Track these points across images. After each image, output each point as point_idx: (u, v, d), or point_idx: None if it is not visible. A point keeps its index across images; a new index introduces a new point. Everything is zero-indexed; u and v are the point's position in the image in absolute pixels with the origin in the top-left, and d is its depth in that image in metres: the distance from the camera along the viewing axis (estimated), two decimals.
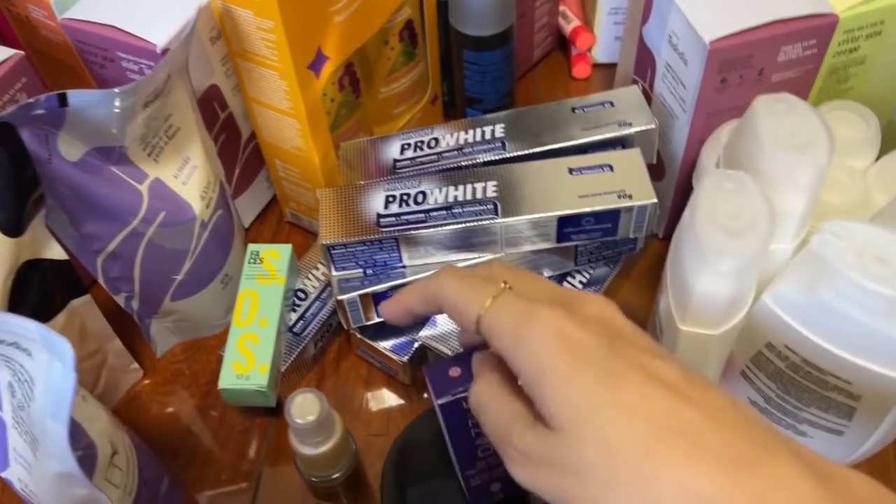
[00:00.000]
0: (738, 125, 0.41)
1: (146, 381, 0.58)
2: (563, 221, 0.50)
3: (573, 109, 0.55)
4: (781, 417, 0.43)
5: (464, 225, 0.49)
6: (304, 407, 0.40)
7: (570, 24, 0.74)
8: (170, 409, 0.56)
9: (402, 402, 0.55)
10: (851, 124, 0.50)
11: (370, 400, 0.56)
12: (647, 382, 0.26)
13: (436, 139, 0.55)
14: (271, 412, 0.55)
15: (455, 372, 0.35)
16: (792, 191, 0.38)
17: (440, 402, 0.34)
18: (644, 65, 0.57)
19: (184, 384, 0.57)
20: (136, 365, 0.57)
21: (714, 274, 0.35)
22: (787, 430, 0.43)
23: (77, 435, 0.39)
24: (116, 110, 0.43)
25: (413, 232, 0.49)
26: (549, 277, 0.56)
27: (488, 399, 0.31)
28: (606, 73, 0.75)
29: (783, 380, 0.40)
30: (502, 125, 0.55)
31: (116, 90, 0.42)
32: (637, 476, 0.24)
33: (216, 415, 0.56)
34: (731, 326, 0.38)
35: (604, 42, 0.74)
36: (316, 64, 0.51)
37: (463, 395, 0.34)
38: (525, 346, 0.28)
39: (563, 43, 0.77)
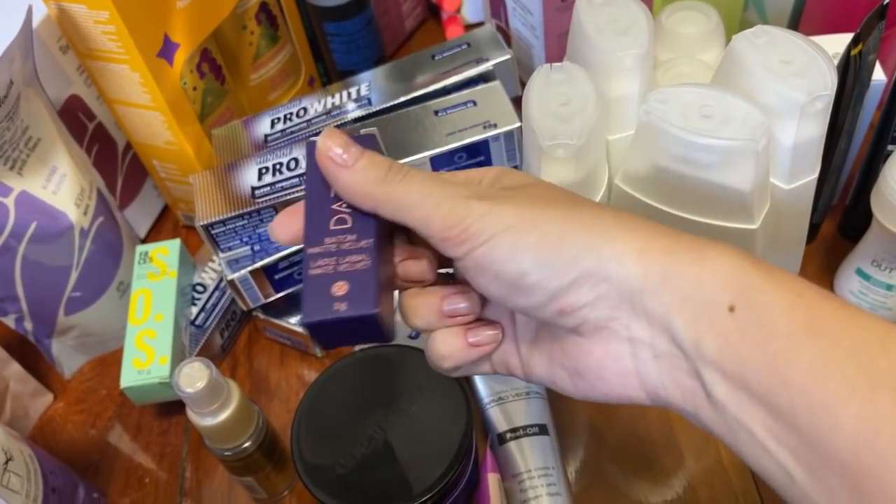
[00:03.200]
0: (570, 28, 0.42)
1: (59, 404, 0.56)
2: (437, 161, 0.50)
3: (433, 57, 0.56)
4: None
5: None
6: (192, 376, 0.40)
7: None
8: (85, 428, 0.55)
9: (317, 375, 0.55)
10: (695, 21, 0.51)
11: (286, 379, 0.55)
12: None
13: (304, 108, 0.56)
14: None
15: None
16: (621, 75, 0.39)
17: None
18: (497, 4, 0.58)
19: (97, 400, 0.56)
20: (42, 388, 0.55)
21: (552, 161, 0.36)
22: None
23: None
24: None
25: (289, 197, 0.49)
26: None
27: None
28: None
29: None
30: (367, 83, 0.56)
31: None
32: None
33: (132, 423, 0.55)
34: None
35: (471, 1, 0.75)
36: (166, 51, 0.51)
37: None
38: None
39: (434, 10, 0.79)
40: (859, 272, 0.50)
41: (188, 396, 0.40)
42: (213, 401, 0.41)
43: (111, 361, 0.58)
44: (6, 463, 0.40)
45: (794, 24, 0.60)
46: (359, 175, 0.28)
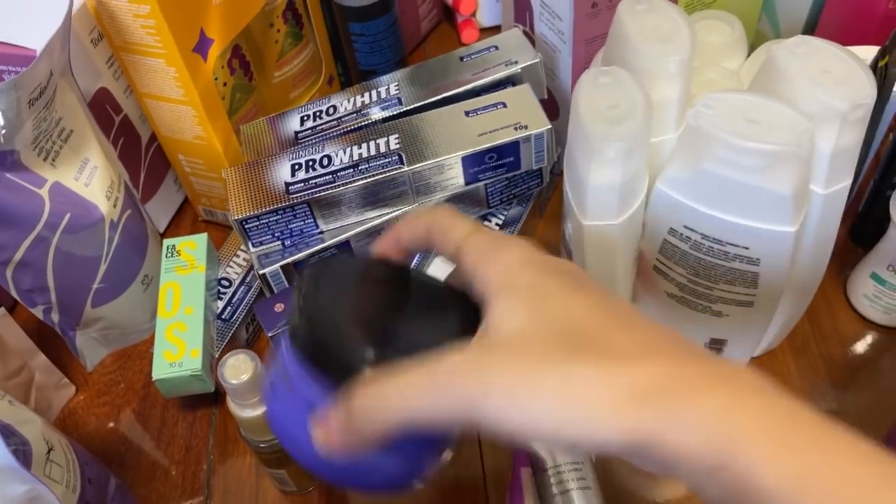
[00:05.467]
0: (609, 33, 0.44)
1: (80, 397, 0.56)
2: (468, 161, 0.51)
3: (461, 58, 0.57)
4: (697, 302, 0.45)
5: (372, 178, 0.50)
6: (237, 367, 0.41)
7: None
8: (108, 420, 0.55)
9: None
10: (719, 31, 0.53)
11: None
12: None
13: (334, 106, 0.56)
14: (212, 401, 0.54)
15: (279, 307, 0.43)
16: (664, 80, 0.40)
17: (270, 334, 0.45)
18: (522, 8, 0.59)
19: (119, 393, 0.56)
20: (66, 380, 0.55)
21: (603, 162, 0.37)
22: (704, 313, 0.45)
23: (7, 434, 0.38)
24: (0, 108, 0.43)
25: (323, 194, 0.50)
26: None
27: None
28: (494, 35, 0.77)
29: (690, 262, 0.43)
30: (396, 83, 0.56)
31: None
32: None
33: (157, 416, 0.55)
34: (630, 214, 0.40)
35: (486, 5, 0.76)
36: (201, 46, 0.52)
37: (285, 326, 0.43)
38: (492, 264, 0.30)
39: (449, 13, 0.80)
40: (874, 276, 0.52)
41: (232, 388, 0.40)
42: (256, 393, 0.41)
43: (133, 354, 0.58)
44: (48, 453, 0.40)
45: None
46: None
